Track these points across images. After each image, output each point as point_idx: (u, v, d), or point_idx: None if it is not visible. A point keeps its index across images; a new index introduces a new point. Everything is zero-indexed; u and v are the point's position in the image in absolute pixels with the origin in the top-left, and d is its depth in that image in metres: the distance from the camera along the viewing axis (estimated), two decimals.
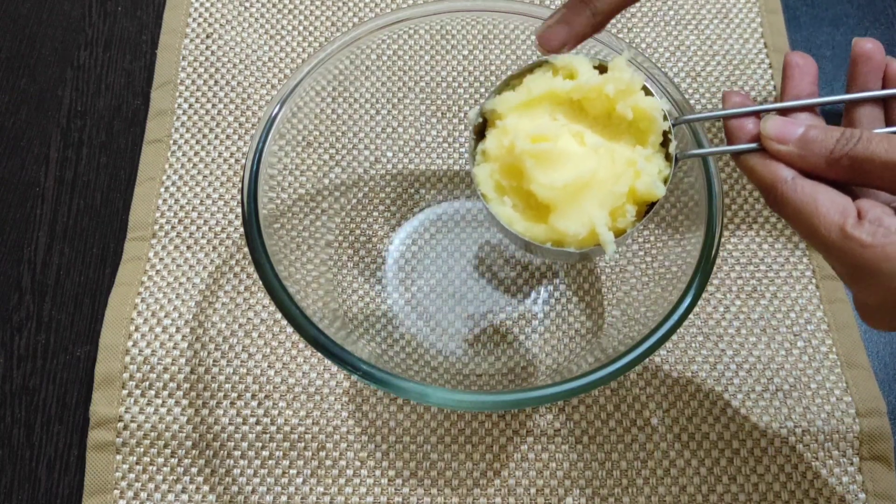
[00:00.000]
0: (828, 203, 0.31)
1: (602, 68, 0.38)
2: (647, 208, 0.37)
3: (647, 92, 0.37)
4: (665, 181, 0.37)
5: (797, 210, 0.31)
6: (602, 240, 0.36)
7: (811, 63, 0.35)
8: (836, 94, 0.36)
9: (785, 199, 0.32)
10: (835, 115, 0.38)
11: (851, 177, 0.31)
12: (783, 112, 0.34)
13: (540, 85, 0.38)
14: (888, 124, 0.34)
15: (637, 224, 0.37)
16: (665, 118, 0.37)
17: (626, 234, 0.36)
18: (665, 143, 0.37)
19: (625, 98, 0.37)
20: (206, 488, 0.43)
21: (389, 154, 0.52)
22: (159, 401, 0.45)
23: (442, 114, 0.53)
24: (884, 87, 0.34)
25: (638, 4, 0.58)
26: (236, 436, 0.44)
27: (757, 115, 0.35)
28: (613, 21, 0.57)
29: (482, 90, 0.53)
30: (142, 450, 0.44)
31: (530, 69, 0.39)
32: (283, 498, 0.43)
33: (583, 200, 0.36)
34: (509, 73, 0.41)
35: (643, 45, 0.56)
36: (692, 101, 0.54)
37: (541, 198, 0.37)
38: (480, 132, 0.39)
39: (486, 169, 0.38)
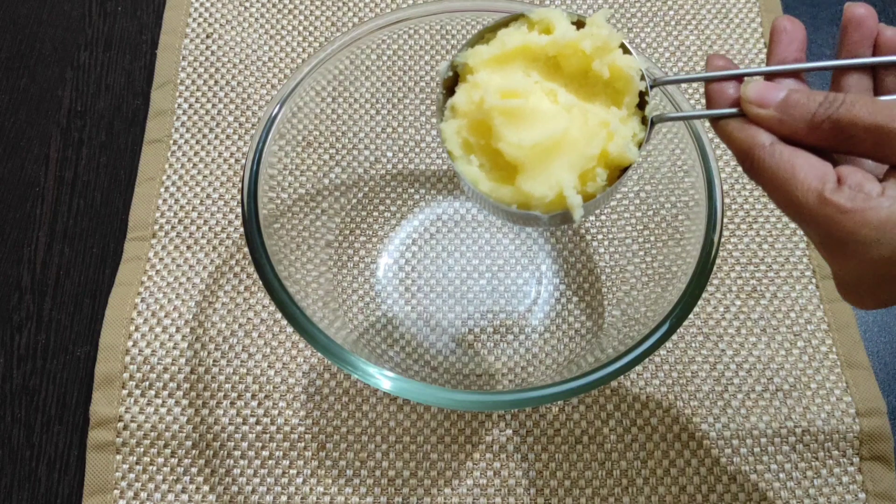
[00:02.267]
0: (806, 168, 0.29)
1: (580, 24, 0.36)
2: (619, 173, 0.35)
3: (626, 51, 0.35)
4: (639, 145, 0.35)
5: (774, 175, 0.30)
6: (569, 203, 0.34)
7: (799, 28, 0.33)
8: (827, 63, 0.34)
9: (762, 165, 0.30)
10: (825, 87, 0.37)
11: (834, 142, 0.29)
12: (768, 77, 0.32)
13: (514, 39, 0.36)
14: (877, 93, 0.32)
15: (608, 189, 0.35)
16: (643, 78, 0.35)
17: (595, 199, 0.34)
18: (642, 106, 0.35)
19: (601, 55, 0.35)
20: (206, 488, 0.43)
21: (389, 154, 0.52)
22: (159, 401, 0.45)
23: None
24: (874, 55, 0.32)
25: (638, 4, 0.58)
26: (236, 436, 0.44)
27: (739, 79, 0.33)
28: (614, 21, 0.57)
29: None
30: (142, 450, 0.44)
31: (505, 23, 0.37)
32: (283, 498, 0.43)
33: (552, 162, 0.35)
34: (482, 25, 0.39)
35: (643, 45, 0.56)
36: (692, 102, 0.54)
37: (508, 157, 0.35)
38: (451, 88, 0.37)
39: (454, 125, 0.36)
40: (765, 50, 0.56)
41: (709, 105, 0.33)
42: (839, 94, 0.30)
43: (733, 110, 0.32)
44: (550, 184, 0.34)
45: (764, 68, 0.33)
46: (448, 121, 0.37)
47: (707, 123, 0.36)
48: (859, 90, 0.32)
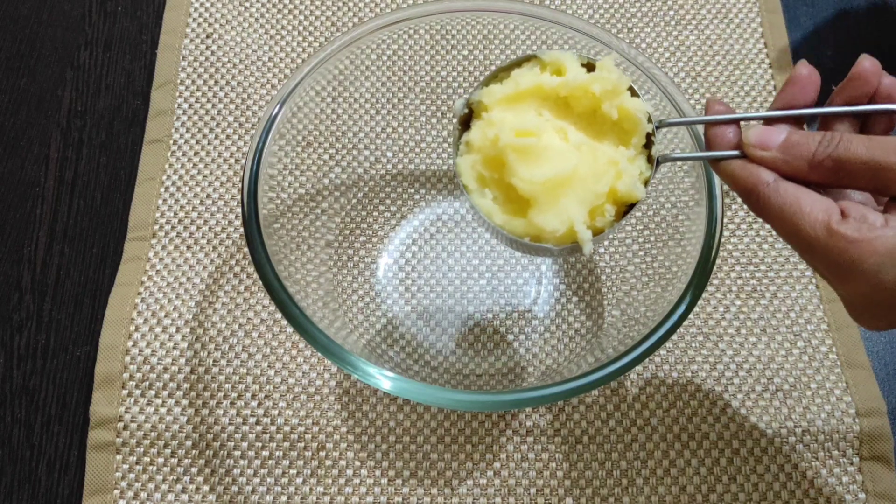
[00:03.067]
0: (811, 202, 0.31)
1: (590, 66, 0.38)
2: (626, 209, 0.37)
3: (634, 93, 0.37)
4: (646, 183, 0.37)
5: (780, 211, 0.31)
6: (579, 237, 0.36)
7: (813, 78, 0.34)
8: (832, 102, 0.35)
9: (768, 202, 0.32)
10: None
11: (833, 178, 0.31)
12: (767, 122, 0.34)
13: (527, 79, 0.38)
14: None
15: (616, 224, 0.37)
16: (650, 120, 0.37)
17: (603, 233, 0.36)
18: (648, 145, 0.37)
19: (610, 98, 0.37)
20: (206, 488, 0.43)
21: (389, 154, 0.52)
22: (159, 401, 0.45)
23: (442, 114, 0.53)
24: (870, 103, 0.34)
25: (638, 4, 0.58)
26: (236, 436, 0.44)
27: (737, 123, 0.34)
28: (614, 21, 0.57)
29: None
30: (142, 450, 0.44)
31: (518, 62, 0.39)
32: (283, 498, 0.43)
33: (562, 197, 0.36)
34: (497, 64, 0.41)
35: (643, 45, 0.56)
36: (692, 102, 0.54)
37: (521, 192, 0.37)
38: (466, 123, 0.39)
39: (469, 160, 0.38)
40: (765, 50, 0.56)
41: (709, 148, 0.35)
42: (835, 133, 0.32)
43: (736, 152, 0.33)
44: (561, 218, 0.36)
45: (763, 113, 0.35)
46: (463, 155, 0.39)
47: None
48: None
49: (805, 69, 0.34)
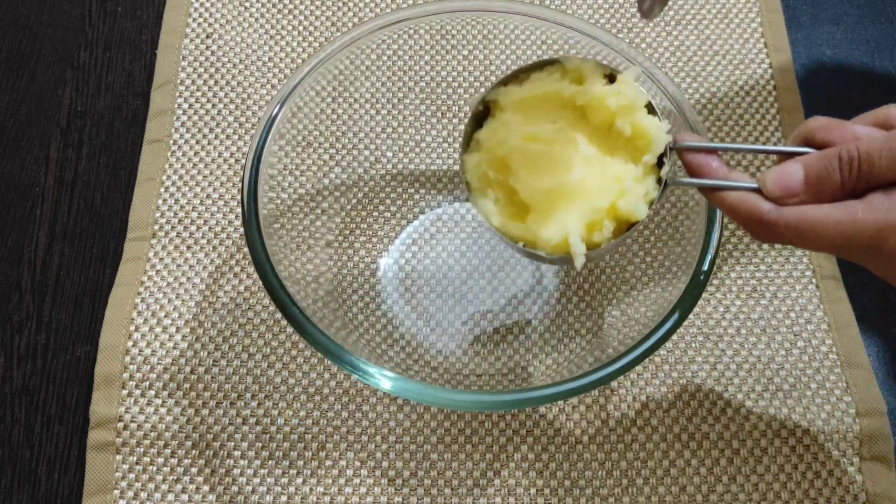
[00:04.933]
0: (823, 212, 0.31)
1: (613, 77, 0.37)
2: (626, 227, 0.36)
3: (652, 110, 0.36)
4: (650, 204, 0.36)
5: (798, 232, 0.31)
6: (572, 251, 0.35)
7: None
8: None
9: (777, 229, 0.32)
10: None
11: (860, 188, 0.31)
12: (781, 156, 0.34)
13: (546, 85, 0.38)
14: None
15: (612, 241, 0.36)
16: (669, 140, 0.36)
17: (599, 249, 0.36)
18: (661, 165, 0.36)
19: (625, 114, 0.36)
20: (206, 488, 0.43)
21: (389, 154, 0.52)
22: (159, 401, 0.45)
23: (442, 114, 0.53)
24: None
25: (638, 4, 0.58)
26: (236, 436, 0.44)
27: (715, 151, 0.34)
28: (614, 21, 0.57)
29: (482, 90, 0.53)
30: (142, 450, 0.44)
31: (540, 65, 0.38)
32: (283, 498, 0.43)
33: (562, 208, 0.36)
34: (519, 64, 0.40)
35: (643, 45, 0.56)
36: (692, 102, 0.54)
37: (522, 197, 0.36)
38: (479, 120, 0.39)
39: (475, 158, 0.38)
40: (765, 50, 0.56)
41: (692, 176, 0.34)
42: (851, 151, 0.31)
43: (752, 184, 0.33)
44: (558, 229, 0.36)
45: (773, 147, 0.35)
46: (471, 153, 0.38)
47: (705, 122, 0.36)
48: None
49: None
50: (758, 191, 0.32)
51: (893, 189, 0.30)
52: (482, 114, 0.39)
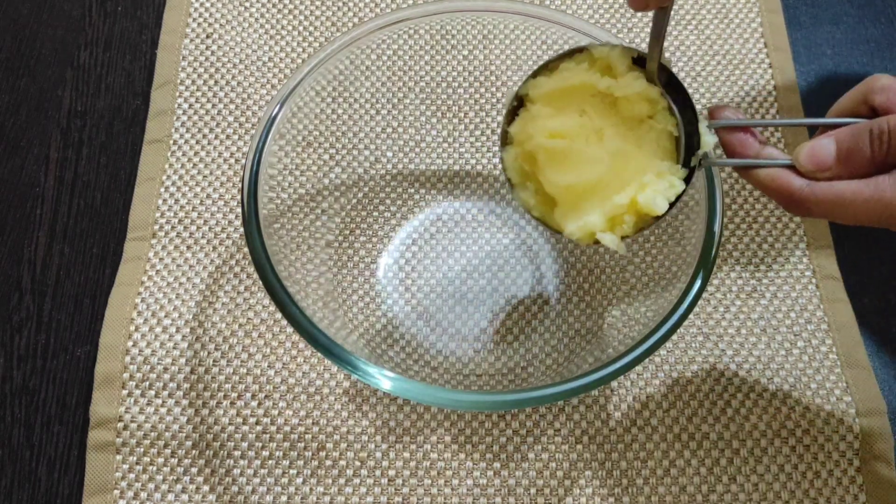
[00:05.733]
0: (852, 187, 0.32)
1: (641, 59, 0.37)
2: (652, 220, 0.37)
3: (690, 105, 0.36)
4: (679, 198, 0.36)
5: (831, 207, 0.32)
6: (605, 243, 0.36)
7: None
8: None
9: (809, 206, 0.33)
10: None
11: (891, 162, 0.32)
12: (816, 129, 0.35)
13: (575, 76, 0.38)
14: None
15: (635, 234, 0.37)
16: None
17: (622, 242, 0.37)
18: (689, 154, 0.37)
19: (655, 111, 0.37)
20: (206, 488, 0.43)
21: (389, 154, 0.52)
22: (159, 401, 0.45)
23: (442, 114, 0.53)
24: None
25: None
26: (236, 436, 0.44)
27: (747, 129, 0.35)
28: (614, 21, 0.57)
29: (482, 90, 0.53)
30: (142, 450, 0.44)
31: (570, 54, 0.38)
32: (283, 498, 0.43)
33: (584, 203, 0.37)
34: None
35: (643, 46, 0.56)
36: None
37: (547, 191, 0.37)
38: (515, 111, 0.39)
39: (512, 153, 0.39)
40: (765, 50, 0.56)
41: (728, 155, 0.35)
42: (882, 126, 0.32)
43: (785, 160, 0.33)
44: (578, 225, 0.37)
45: (809, 120, 0.36)
46: (507, 149, 0.39)
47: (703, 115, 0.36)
48: None
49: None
50: (791, 166, 0.33)
51: None
52: (517, 107, 0.39)
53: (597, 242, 0.37)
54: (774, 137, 0.53)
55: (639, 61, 0.37)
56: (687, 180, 0.36)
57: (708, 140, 0.36)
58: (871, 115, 0.34)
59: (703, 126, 0.36)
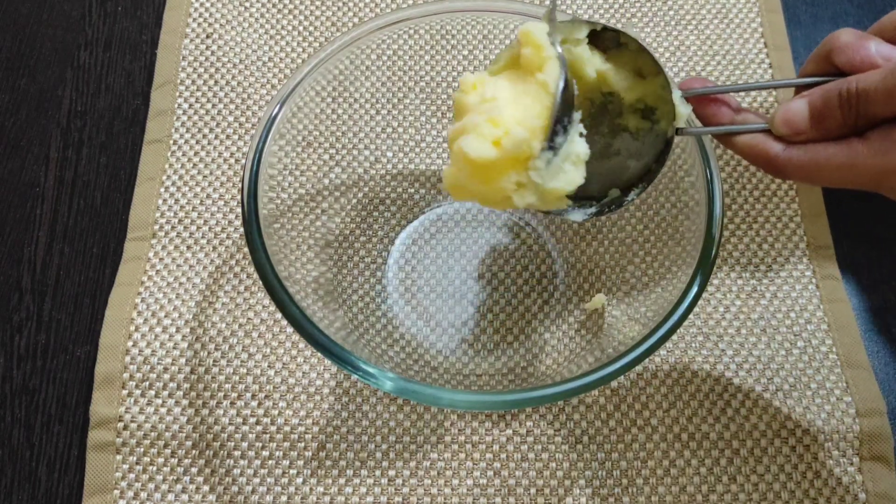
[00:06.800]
0: (829, 151, 0.32)
1: (598, 34, 0.37)
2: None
3: (661, 73, 0.36)
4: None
5: (807, 171, 0.33)
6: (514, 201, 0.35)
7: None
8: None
9: (787, 170, 0.33)
10: None
11: (861, 124, 0.32)
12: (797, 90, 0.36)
13: (507, 53, 0.37)
14: None
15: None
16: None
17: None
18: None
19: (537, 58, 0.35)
20: (206, 488, 0.43)
21: (389, 154, 0.52)
22: (159, 401, 0.45)
23: (442, 114, 0.53)
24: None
25: (638, 4, 0.58)
26: (236, 436, 0.44)
27: (720, 97, 0.36)
28: (614, 21, 0.57)
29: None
30: (142, 450, 0.44)
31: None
32: (283, 498, 0.43)
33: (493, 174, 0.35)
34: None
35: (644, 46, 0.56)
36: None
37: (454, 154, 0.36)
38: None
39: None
40: (765, 50, 0.56)
41: (704, 124, 0.35)
42: (850, 89, 0.32)
43: (762, 126, 0.34)
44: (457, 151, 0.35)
45: (763, 83, 0.37)
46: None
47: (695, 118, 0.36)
48: None
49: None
50: (769, 131, 0.34)
51: (891, 127, 0.31)
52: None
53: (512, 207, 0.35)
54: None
55: (600, 36, 0.37)
56: (665, 151, 0.36)
57: (682, 111, 0.36)
58: (838, 73, 0.34)
59: (676, 96, 0.36)
